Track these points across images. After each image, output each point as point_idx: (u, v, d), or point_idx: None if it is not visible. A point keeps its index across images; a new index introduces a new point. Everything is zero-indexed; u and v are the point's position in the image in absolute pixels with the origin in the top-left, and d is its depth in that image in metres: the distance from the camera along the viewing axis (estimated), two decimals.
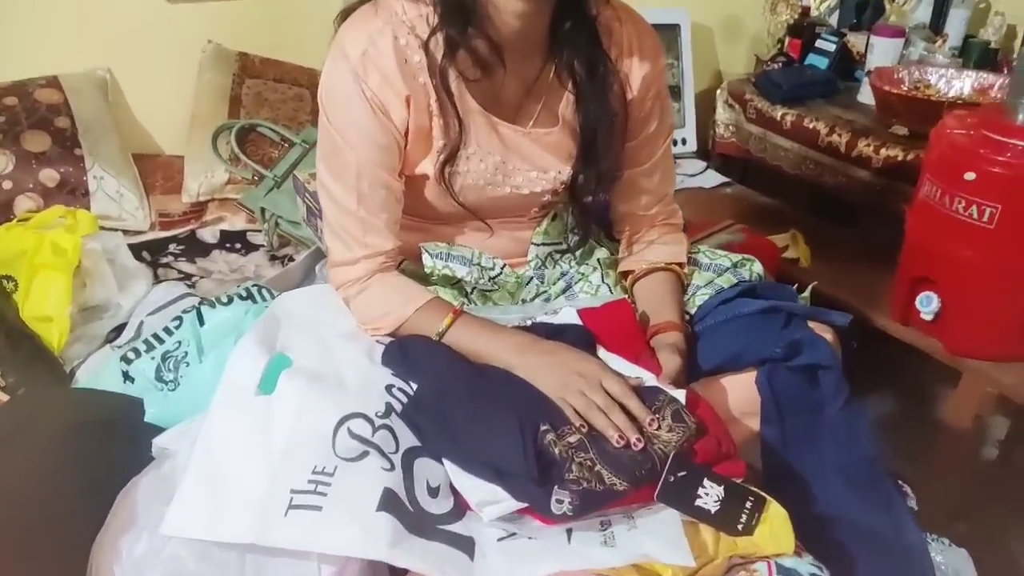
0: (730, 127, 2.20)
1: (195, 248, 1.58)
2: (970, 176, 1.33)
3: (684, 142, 2.21)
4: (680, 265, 1.11)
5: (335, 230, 0.99)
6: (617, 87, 1.02)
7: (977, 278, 1.38)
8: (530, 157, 1.02)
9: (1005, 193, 1.30)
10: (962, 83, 1.88)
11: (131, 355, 0.99)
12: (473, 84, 0.96)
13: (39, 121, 1.62)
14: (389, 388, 0.88)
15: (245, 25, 1.87)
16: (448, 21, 0.90)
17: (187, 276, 1.49)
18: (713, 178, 2.15)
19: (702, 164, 2.20)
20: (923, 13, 2.26)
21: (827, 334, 1.01)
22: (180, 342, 0.99)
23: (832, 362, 0.94)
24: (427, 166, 0.98)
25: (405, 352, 0.92)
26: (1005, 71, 1.92)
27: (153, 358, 0.98)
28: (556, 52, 0.99)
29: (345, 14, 0.96)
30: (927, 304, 1.45)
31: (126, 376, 0.98)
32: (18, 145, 1.57)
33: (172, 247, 1.58)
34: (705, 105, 2.28)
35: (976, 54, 2.02)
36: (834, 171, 1.88)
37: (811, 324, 1.00)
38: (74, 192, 1.59)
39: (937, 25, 2.22)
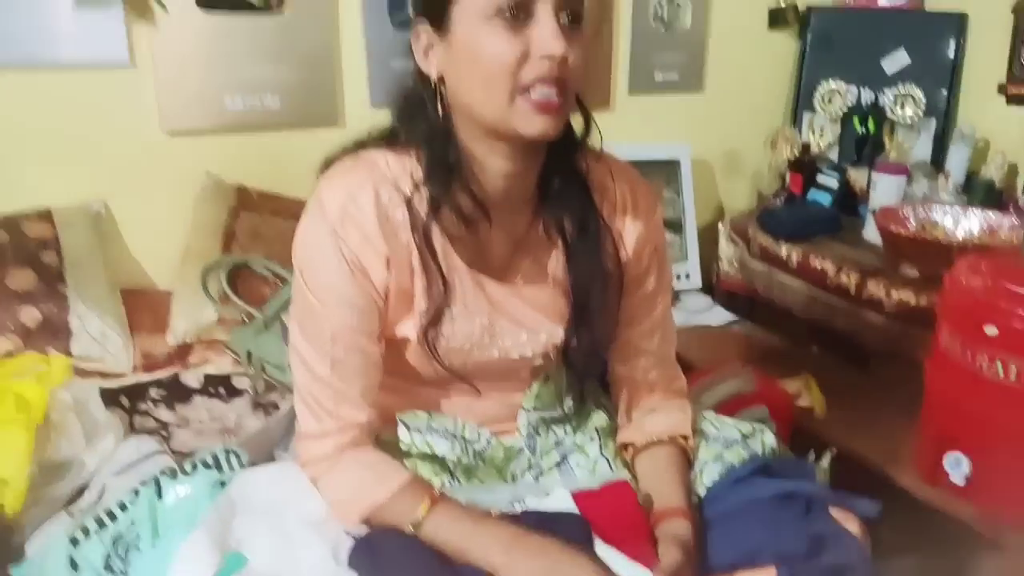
0: (734, 263, 2.16)
1: (176, 393, 1.50)
2: (992, 331, 1.26)
3: (687, 277, 2.17)
4: (685, 437, 1.02)
5: (304, 398, 0.91)
6: (610, 245, 0.96)
7: (1007, 440, 1.29)
8: (519, 318, 0.96)
9: None
10: (969, 223, 1.85)
11: (80, 535, 0.89)
12: (458, 240, 0.91)
13: (26, 257, 1.57)
14: None
15: (244, 159, 1.86)
16: (433, 178, 0.86)
17: (164, 425, 1.40)
18: (720, 315, 2.09)
19: (708, 300, 2.15)
20: (922, 150, 2.27)
21: (853, 524, 0.90)
22: (134, 521, 0.89)
23: (861, 563, 0.84)
24: (408, 328, 0.91)
25: (374, 552, 0.81)
26: (1011, 210, 1.89)
27: (103, 542, 0.88)
28: (545, 208, 0.94)
29: (327, 164, 0.92)
30: (956, 466, 1.35)
31: (73, 564, 0.88)
32: (1, 283, 1.52)
33: (153, 391, 1.50)
34: (708, 239, 2.25)
35: (981, 192, 2.00)
36: (846, 313, 1.82)
37: (834, 510, 0.91)
38: (55, 332, 1.52)
39: (938, 162, 2.22)
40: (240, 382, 1.54)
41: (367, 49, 1.86)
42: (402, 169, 0.88)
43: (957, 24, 2.27)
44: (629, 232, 0.99)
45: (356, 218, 0.85)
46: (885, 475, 1.45)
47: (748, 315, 2.12)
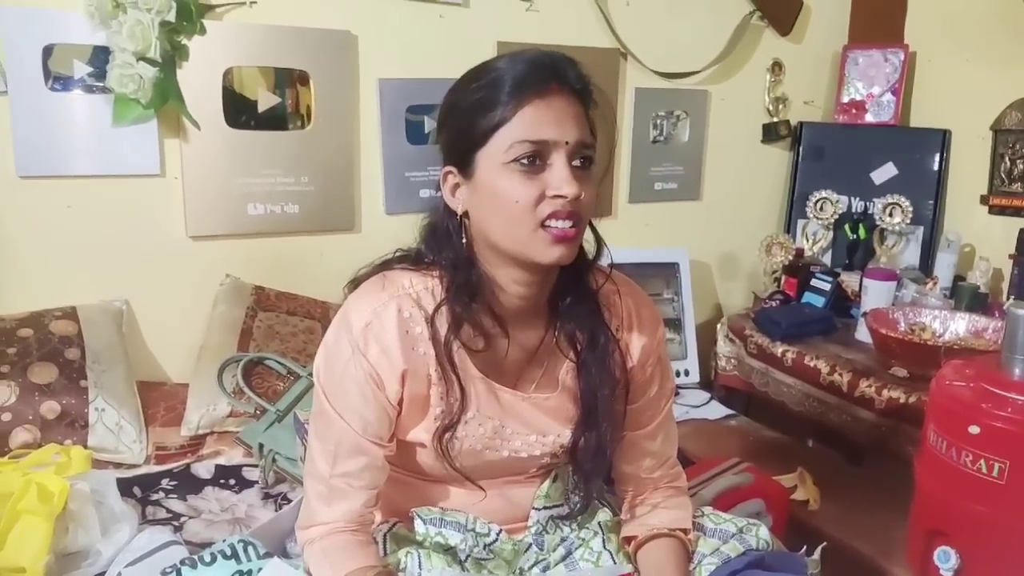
0: (732, 360, 2.22)
1: (188, 484, 1.55)
2: (974, 430, 1.31)
3: (687, 373, 2.23)
4: (685, 531, 1.06)
5: (308, 484, 0.98)
6: (618, 355, 1.03)
7: (993, 535, 1.32)
8: (530, 421, 1.02)
9: (1012, 448, 1.28)
10: (956, 325, 1.92)
11: None
12: (475, 353, 0.98)
13: (49, 352, 1.64)
14: None
15: (263, 261, 1.96)
16: (456, 299, 0.94)
17: (175, 516, 1.44)
18: (717, 410, 2.14)
19: (706, 395, 2.21)
20: (911, 255, 2.37)
21: None
22: None
23: None
24: (422, 433, 0.98)
25: None
26: (996, 314, 1.97)
27: None
28: (558, 322, 1.02)
29: (355, 284, 1.00)
30: (945, 560, 1.37)
31: None
32: (24, 377, 1.59)
33: (165, 482, 1.55)
34: (706, 337, 2.32)
35: (967, 297, 2.08)
36: (838, 410, 1.87)
37: None
38: (73, 424, 1.58)
39: (926, 267, 2.31)
40: (251, 473, 1.59)
41: (383, 161, 1.98)
42: (424, 288, 0.96)
43: (941, 140, 2.40)
44: (635, 344, 1.06)
45: (378, 333, 0.93)
46: (878, 567, 1.48)
47: (745, 410, 2.18)
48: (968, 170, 2.35)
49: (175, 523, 1.40)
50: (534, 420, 1.02)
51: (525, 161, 0.88)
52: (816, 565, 1.14)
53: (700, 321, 2.35)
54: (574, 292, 1.01)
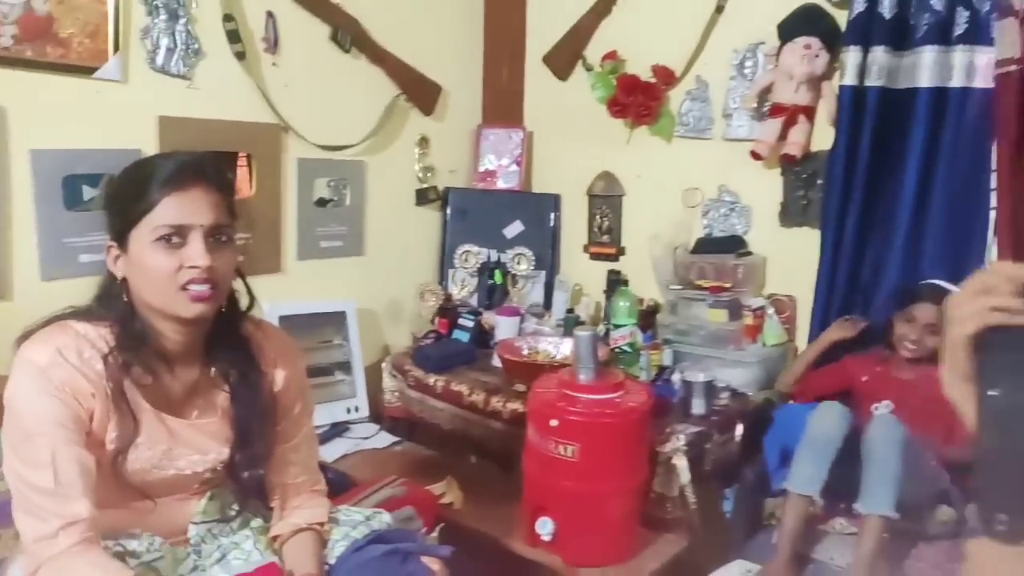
0: (395, 393, 2.56)
1: None
2: (554, 423, 1.76)
3: (357, 409, 2.50)
4: (321, 524, 1.33)
5: (29, 509, 1.07)
6: (265, 384, 1.30)
7: (574, 502, 1.77)
8: (193, 443, 1.23)
9: (580, 434, 1.74)
10: (565, 347, 2.43)
11: None
12: (145, 388, 1.18)
13: None
14: None
15: None
16: (124, 346, 1.15)
17: None
18: (385, 439, 2.44)
19: (375, 427, 2.49)
20: (537, 294, 2.91)
21: (435, 564, 1.28)
22: None
23: None
24: (100, 453, 1.14)
25: None
26: None
27: None
28: (214, 360, 1.26)
29: (27, 335, 1.14)
30: (544, 527, 1.80)
31: None
32: None
33: None
34: (375, 376, 2.63)
35: (572, 325, 2.63)
36: (478, 424, 2.28)
37: (424, 559, 1.27)
38: None
39: (548, 303, 2.86)
40: None
41: (38, 228, 1.92)
42: (98, 335, 1.15)
43: (554, 202, 2.99)
44: (279, 375, 1.33)
45: (64, 364, 1.10)
46: (502, 544, 1.86)
47: (410, 437, 2.50)
48: (573, 225, 2.96)
49: None
50: (197, 442, 1.23)
51: (166, 240, 1.12)
52: (434, 540, 1.47)
53: (370, 362, 2.65)
54: (226, 335, 1.26)
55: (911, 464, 1.73)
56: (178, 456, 1.22)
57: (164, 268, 1.12)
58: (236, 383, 1.26)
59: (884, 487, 1.69)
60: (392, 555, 1.24)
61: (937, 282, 1.99)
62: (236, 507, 1.30)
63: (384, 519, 1.38)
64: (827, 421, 1.81)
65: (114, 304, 1.18)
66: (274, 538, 1.33)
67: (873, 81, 2.13)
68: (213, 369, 1.27)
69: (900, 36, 2.11)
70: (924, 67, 2.08)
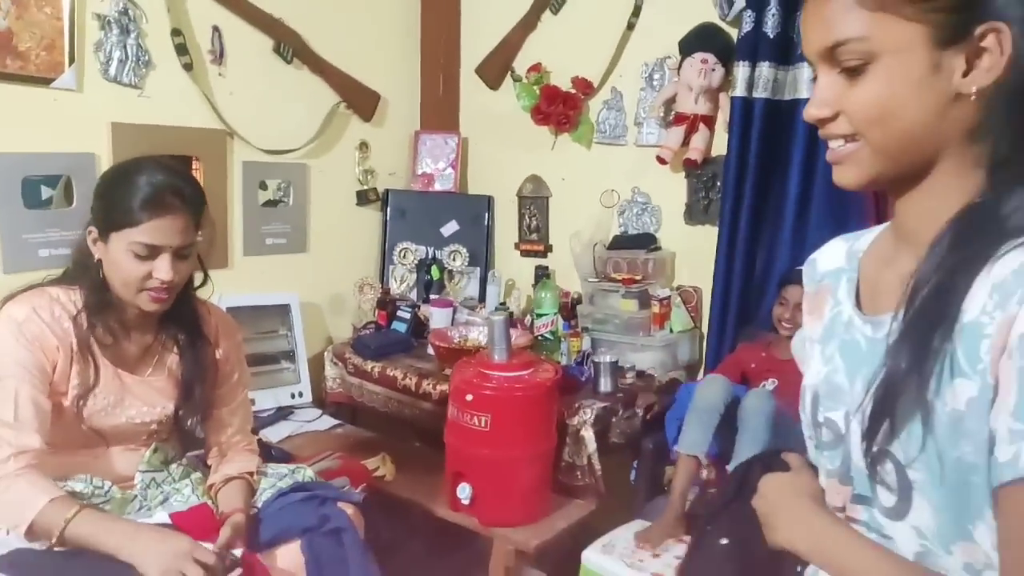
0: (337, 380, 2.76)
1: None
2: (470, 398, 1.98)
3: (301, 395, 2.70)
4: (251, 474, 1.54)
5: None
6: (209, 352, 1.53)
7: (488, 468, 1.99)
8: (143, 396, 1.46)
9: (491, 406, 1.96)
10: None
11: None
12: (105, 346, 1.40)
13: None
14: None
15: None
16: (90, 309, 1.37)
17: None
18: (327, 422, 2.63)
19: (318, 412, 2.69)
20: (473, 288, 3.13)
21: (349, 508, 1.50)
22: None
23: (348, 525, 1.42)
24: (62, 398, 1.35)
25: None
26: (519, 327, 2.75)
27: None
28: (167, 326, 1.49)
29: (11, 296, 1.38)
30: (463, 492, 2.01)
31: None
32: None
33: None
34: (318, 364, 2.82)
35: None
36: (410, 405, 2.49)
37: (340, 504, 1.48)
38: None
39: (483, 297, 3.08)
40: None
41: (0, 225, 2.06)
42: (68, 299, 1.38)
43: (487, 203, 3.21)
44: (222, 345, 1.57)
45: (36, 322, 1.32)
46: (428, 509, 2.08)
47: (352, 420, 2.71)
48: (505, 225, 3.19)
49: None
50: (147, 396, 1.46)
51: (140, 254, 1.34)
52: (359, 496, 1.68)
53: (313, 352, 2.84)
54: (179, 308, 1.48)
55: (780, 434, 1.98)
56: (129, 406, 1.44)
57: (133, 273, 1.35)
58: (185, 347, 1.50)
59: (752, 452, 1.93)
60: (311, 500, 1.46)
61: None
62: (177, 459, 1.51)
63: (308, 473, 1.59)
64: (710, 390, 2.06)
65: (87, 274, 1.40)
66: (210, 487, 1.53)
67: (760, 93, 2.39)
68: (165, 335, 1.49)
69: (783, 53, 2.37)
70: (804, 81, 2.34)
